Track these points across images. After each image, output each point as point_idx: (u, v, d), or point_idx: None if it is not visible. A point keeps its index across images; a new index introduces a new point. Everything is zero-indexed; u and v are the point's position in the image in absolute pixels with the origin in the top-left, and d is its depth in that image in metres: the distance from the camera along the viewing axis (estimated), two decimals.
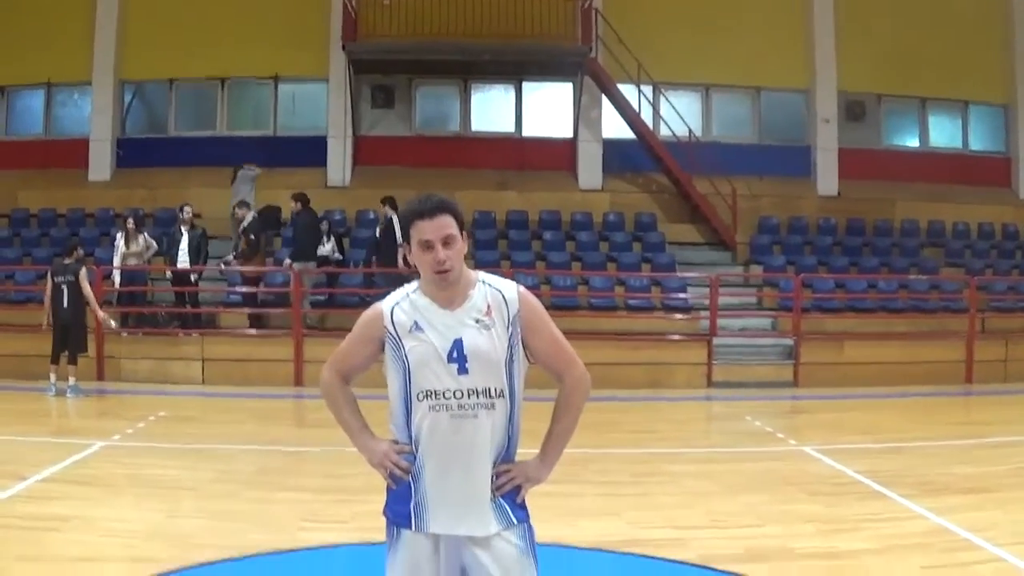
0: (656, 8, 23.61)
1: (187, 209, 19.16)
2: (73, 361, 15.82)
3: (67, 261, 16.12)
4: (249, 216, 19.33)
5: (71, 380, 15.66)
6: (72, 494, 8.82)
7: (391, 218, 18.79)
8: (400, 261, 18.50)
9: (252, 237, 19.04)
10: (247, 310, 19.19)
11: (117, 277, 18.86)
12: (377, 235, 19.60)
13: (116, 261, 18.80)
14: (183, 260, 18.89)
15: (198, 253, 19.00)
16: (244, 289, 19.47)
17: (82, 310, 15.99)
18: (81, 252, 16.81)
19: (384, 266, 18.83)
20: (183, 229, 18.96)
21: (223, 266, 19.62)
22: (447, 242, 3.64)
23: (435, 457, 3.66)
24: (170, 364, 17.98)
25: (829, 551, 7.30)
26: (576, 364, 3.86)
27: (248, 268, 19.26)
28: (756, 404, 16.47)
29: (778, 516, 8.43)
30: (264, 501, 8.83)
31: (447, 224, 3.65)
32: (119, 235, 18.98)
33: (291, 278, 18.65)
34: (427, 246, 3.64)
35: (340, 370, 3.94)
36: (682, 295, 20.58)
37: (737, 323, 20.28)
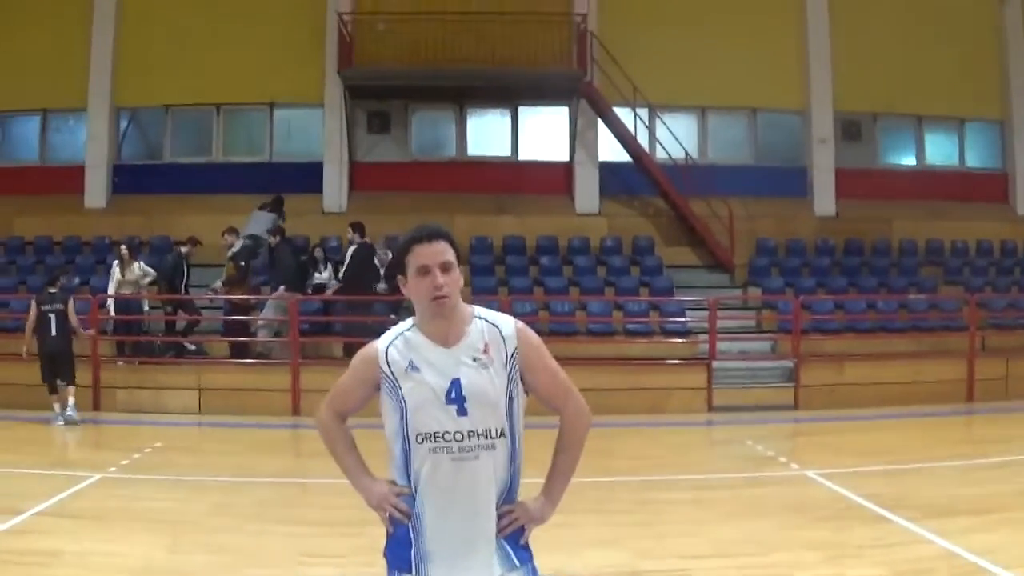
0: (651, 30, 23.55)
1: (196, 248, 19.15)
2: (71, 382, 15.79)
3: (53, 290, 16.11)
4: (238, 244, 19.28)
5: (70, 401, 15.63)
6: (67, 528, 8.73)
7: (353, 244, 18.85)
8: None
9: (242, 264, 18.99)
10: (240, 339, 19.01)
11: (112, 306, 18.72)
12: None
13: (111, 289, 18.67)
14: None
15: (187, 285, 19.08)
16: (238, 317, 19.31)
17: (70, 339, 15.99)
18: (75, 280, 16.73)
19: (351, 292, 18.75)
20: (184, 264, 18.88)
21: (211, 293, 19.55)
22: (445, 268, 3.56)
23: (436, 500, 3.56)
24: (166, 394, 17.80)
25: None
26: (575, 397, 3.77)
27: (233, 296, 19.16)
28: (757, 428, 16.35)
29: (783, 543, 8.34)
30: (262, 535, 8.73)
31: (444, 249, 3.58)
32: (115, 263, 18.86)
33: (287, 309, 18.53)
34: (425, 271, 3.56)
35: (337, 410, 3.85)
36: (681, 319, 20.47)
37: (736, 346, 20.15)
